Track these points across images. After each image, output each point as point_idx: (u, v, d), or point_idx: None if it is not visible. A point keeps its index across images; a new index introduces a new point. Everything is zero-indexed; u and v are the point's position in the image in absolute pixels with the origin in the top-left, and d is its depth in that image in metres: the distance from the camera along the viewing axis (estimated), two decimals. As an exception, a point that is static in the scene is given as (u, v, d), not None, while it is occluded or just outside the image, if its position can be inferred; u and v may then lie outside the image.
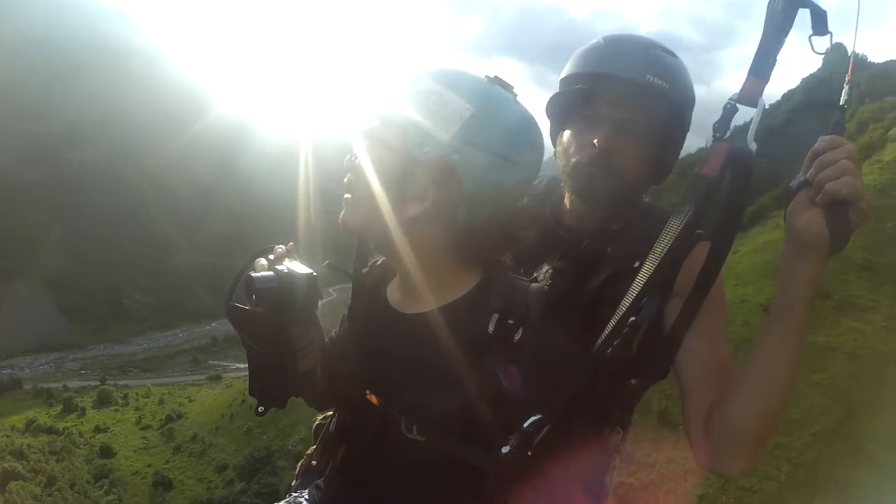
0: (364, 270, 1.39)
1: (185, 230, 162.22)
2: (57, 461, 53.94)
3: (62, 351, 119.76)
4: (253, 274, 1.16)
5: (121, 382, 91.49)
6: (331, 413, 1.44)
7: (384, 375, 1.20)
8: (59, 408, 74.71)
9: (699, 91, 1.51)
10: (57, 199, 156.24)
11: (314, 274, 1.19)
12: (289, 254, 1.23)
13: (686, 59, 1.49)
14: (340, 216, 1.19)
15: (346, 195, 1.18)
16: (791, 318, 1.12)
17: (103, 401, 78.16)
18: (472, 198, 1.11)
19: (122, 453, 61.66)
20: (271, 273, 1.15)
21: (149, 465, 60.31)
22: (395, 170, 1.11)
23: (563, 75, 1.50)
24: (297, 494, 1.42)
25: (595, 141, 1.37)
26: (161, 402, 79.52)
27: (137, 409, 77.35)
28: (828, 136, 1.06)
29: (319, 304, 1.23)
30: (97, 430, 67.78)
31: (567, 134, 1.47)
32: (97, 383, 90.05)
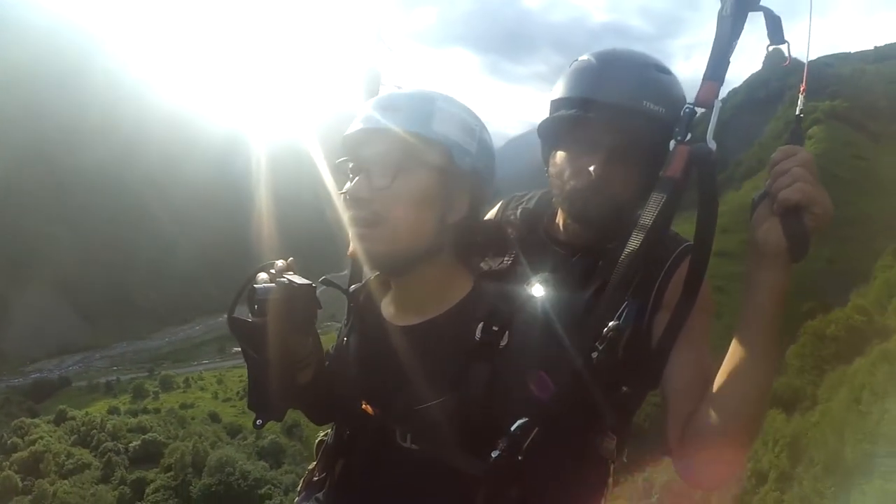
0: (358, 286, 1.44)
1: (184, 227, 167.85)
2: (182, 427, 63.08)
3: (86, 351, 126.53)
4: (255, 285, 1.19)
5: (162, 373, 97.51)
6: (331, 428, 1.46)
7: (380, 387, 1.25)
8: (129, 396, 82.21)
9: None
10: (59, 202, 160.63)
11: (313, 285, 1.23)
12: (289, 268, 1.26)
13: (637, 49, 1.51)
14: (360, 249, 1.19)
15: (370, 228, 1.17)
16: (757, 326, 1.12)
17: (166, 386, 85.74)
18: (487, 198, 1.28)
19: (226, 419, 69.84)
20: (272, 284, 1.20)
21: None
22: (439, 186, 1.18)
23: (554, 96, 1.47)
24: None
25: (591, 168, 1.37)
26: (220, 381, 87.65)
27: (202, 388, 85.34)
28: (784, 147, 1.08)
29: (318, 314, 1.26)
30: (184, 406, 75.41)
31: (560, 156, 1.46)
32: (145, 374, 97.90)
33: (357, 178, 1.18)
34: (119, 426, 61.79)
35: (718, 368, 1.23)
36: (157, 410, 71.67)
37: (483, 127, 1.24)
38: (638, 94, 1.33)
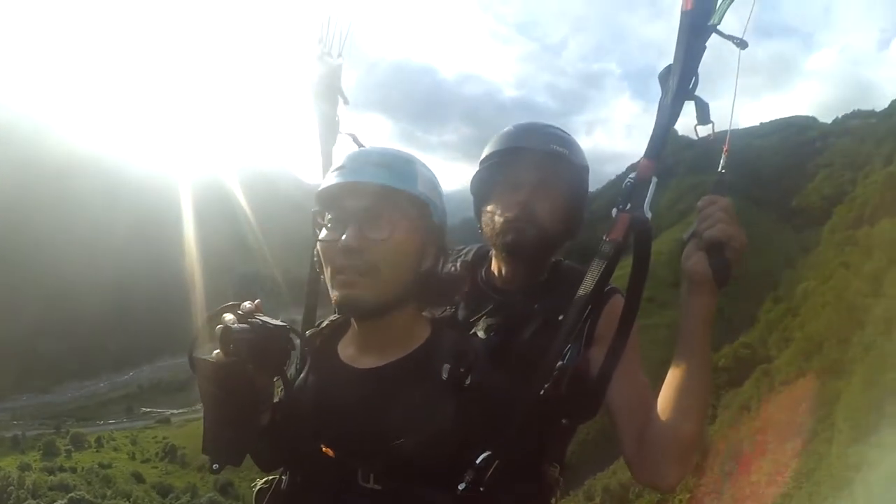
0: (314, 331, 1.47)
1: (89, 275, 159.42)
2: (109, 487, 61.88)
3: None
4: (231, 325, 1.19)
5: (73, 430, 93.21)
6: (273, 476, 1.48)
7: (340, 430, 1.27)
8: (39, 453, 77.92)
9: (554, 152, 1.69)
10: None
11: (287, 326, 1.26)
12: (257, 309, 1.28)
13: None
14: (346, 296, 1.26)
15: (363, 276, 1.24)
16: (693, 343, 1.30)
17: (77, 444, 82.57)
18: (448, 248, 1.41)
19: (151, 480, 68.30)
20: (247, 325, 1.21)
21: (188, 482, 67.54)
22: (420, 239, 1.31)
23: (483, 156, 1.76)
24: None
25: (518, 200, 1.64)
26: (135, 442, 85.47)
27: (116, 449, 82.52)
28: (708, 196, 1.31)
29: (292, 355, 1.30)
30: (101, 466, 72.72)
31: (491, 205, 1.71)
32: (52, 431, 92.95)
33: (349, 229, 1.24)
34: (39, 483, 59.41)
35: (647, 383, 1.52)
36: (74, 469, 69.00)
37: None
38: (547, 141, 1.67)
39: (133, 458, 78.82)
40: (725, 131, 1.30)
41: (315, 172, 1.73)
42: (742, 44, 1.25)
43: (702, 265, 1.27)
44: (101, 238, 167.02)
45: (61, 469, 68.57)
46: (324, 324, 1.49)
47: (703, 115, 1.26)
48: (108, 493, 59.51)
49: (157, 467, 74.55)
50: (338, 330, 1.47)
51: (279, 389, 1.41)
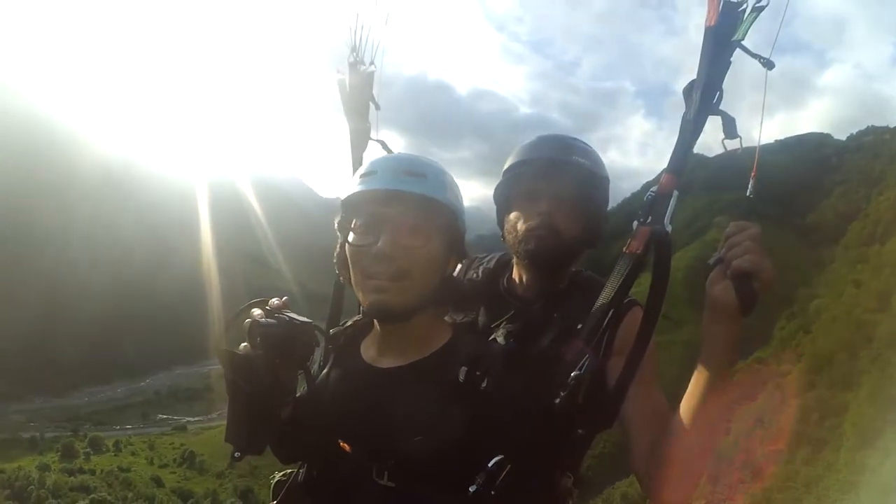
0: (338, 330, 1.50)
1: (107, 281, 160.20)
2: (129, 490, 62.76)
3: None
4: (259, 319, 1.24)
5: (91, 433, 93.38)
6: (291, 470, 1.50)
7: (358, 426, 1.29)
8: (57, 455, 78.30)
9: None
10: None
11: (312, 323, 1.29)
12: (284, 306, 1.31)
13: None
14: (376, 300, 1.28)
15: (395, 281, 1.26)
16: (712, 367, 1.27)
17: (96, 448, 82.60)
18: (467, 255, 1.45)
19: (170, 484, 68.99)
20: (274, 320, 1.25)
21: (207, 488, 68.51)
22: (447, 244, 1.33)
23: (505, 167, 1.79)
24: None
25: (539, 212, 1.67)
26: (152, 447, 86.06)
27: (134, 454, 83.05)
28: (737, 222, 1.25)
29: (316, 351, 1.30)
30: (121, 469, 72.90)
31: (513, 214, 1.74)
32: (69, 433, 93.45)
33: (384, 236, 1.26)
34: (59, 484, 60.14)
35: (663, 397, 1.52)
36: (93, 471, 69.68)
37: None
38: (568, 152, 1.70)
39: (151, 462, 79.35)
40: (747, 149, 1.28)
41: (341, 180, 1.70)
42: (769, 63, 1.21)
43: (728, 294, 1.22)
44: (120, 245, 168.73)
45: (80, 471, 69.49)
46: (347, 323, 1.53)
47: (730, 129, 1.24)
48: (130, 495, 60.26)
49: (175, 472, 75.16)
50: (361, 330, 1.50)
51: (302, 384, 1.44)
